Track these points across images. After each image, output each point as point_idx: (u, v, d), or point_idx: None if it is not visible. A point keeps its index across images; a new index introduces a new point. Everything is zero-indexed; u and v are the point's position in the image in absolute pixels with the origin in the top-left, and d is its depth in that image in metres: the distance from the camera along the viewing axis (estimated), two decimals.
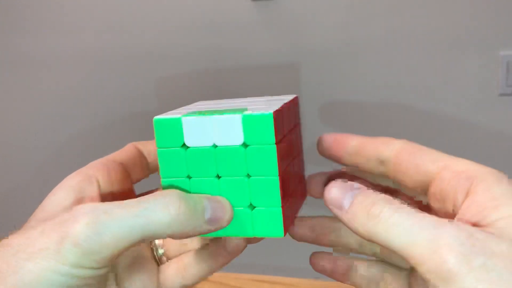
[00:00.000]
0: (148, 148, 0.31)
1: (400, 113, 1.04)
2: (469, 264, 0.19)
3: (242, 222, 0.26)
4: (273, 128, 0.24)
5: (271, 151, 0.25)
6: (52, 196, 0.26)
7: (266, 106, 0.26)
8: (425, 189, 0.26)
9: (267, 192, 0.25)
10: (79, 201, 0.25)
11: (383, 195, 0.23)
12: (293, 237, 0.32)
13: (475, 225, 0.22)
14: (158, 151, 0.26)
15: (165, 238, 0.24)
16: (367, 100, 1.04)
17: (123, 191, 0.28)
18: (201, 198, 0.25)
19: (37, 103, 1.18)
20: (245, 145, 0.25)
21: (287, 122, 0.27)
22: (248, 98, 0.31)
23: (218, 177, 0.26)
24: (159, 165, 0.26)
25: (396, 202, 0.23)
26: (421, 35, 0.98)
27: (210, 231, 0.25)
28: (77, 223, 0.22)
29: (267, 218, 0.26)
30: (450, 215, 0.25)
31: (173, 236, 0.24)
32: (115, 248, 0.22)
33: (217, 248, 0.29)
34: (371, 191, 0.24)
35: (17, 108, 1.19)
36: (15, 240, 0.23)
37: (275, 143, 0.24)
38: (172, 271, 0.30)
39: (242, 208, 0.26)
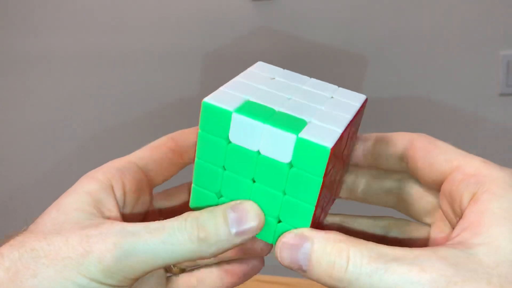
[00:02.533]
0: (185, 137, 0.30)
1: (400, 112, 1.04)
2: None
3: (266, 227, 0.25)
4: (326, 163, 0.22)
5: (316, 183, 0.23)
6: (67, 198, 0.25)
7: (331, 120, 0.24)
8: (439, 187, 0.26)
9: (299, 215, 0.24)
10: (98, 209, 0.25)
11: (339, 246, 0.21)
12: None
13: (463, 244, 0.21)
14: (199, 133, 0.24)
15: (194, 260, 0.24)
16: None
17: (136, 202, 0.28)
18: (224, 213, 0.24)
19: (37, 103, 1.18)
20: (290, 165, 0.23)
21: (344, 141, 0.25)
22: (318, 83, 0.28)
23: (253, 181, 0.24)
24: (197, 146, 0.24)
25: (356, 251, 0.21)
26: (421, 35, 0.98)
27: (241, 243, 0.24)
28: (105, 241, 0.22)
29: None
30: (458, 217, 0.24)
31: (201, 259, 0.24)
32: (139, 270, 0.23)
33: (232, 267, 0.29)
34: (322, 240, 0.22)
35: (17, 108, 1.19)
36: (36, 244, 0.23)
37: (323, 177, 0.23)
38: (183, 285, 0.29)
39: (268, 217, 0.25)
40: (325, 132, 0.23)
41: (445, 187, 0.25)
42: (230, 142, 0.24)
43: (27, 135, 1.21)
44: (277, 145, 0.23)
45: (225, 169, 0.24)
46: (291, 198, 0.24)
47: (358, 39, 1.00)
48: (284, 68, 0.30)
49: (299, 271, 0.23)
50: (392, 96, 1.03)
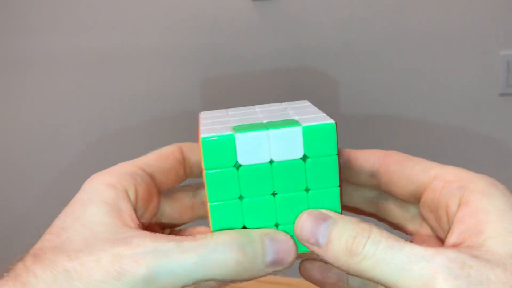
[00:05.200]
0: (193, 151, 0.29)
1: (400, 112, 1.04)
2: None
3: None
4: (336, 138, 0.23)
5: (333, 161, 0.24)
6: (87, 210, 0.24)
7: (312, 114, 0.25)
8: (417, 199, 0.26)
9: (327, 203, 0.24)
10: (120, 218, 0.24)
11: (361, 226, 0.22)
12: (301, 273, 0.30)
13: (466, 239, 0.21)
14: (205, 173, 0.23)
15: (223, 282, 0.23)
16: (367, 100, 1.04)
17: (146, 210, 0.27)
18: (262, 240, 0.23)
19: (37, 103, 1.18)
20: (305, 157, 0.24)
21: None
22: (261, 106, 0.29)
23: (274, 194, 0.24)
24: (207, 189, 0.24)
25: (376, 231, 0.22)
26: (421, 35, 0.98)
27: (270, 274, 0.24)
28: (138, 264, 0.22)
29: None
30: (443, 225, 0.24)
31: (231, 282, 0.23)
32: None
33: None
34: (346, 219, 0.23)
35: (17, 108, 1.19)
36: (68, 264, 0.22)
37: (337, 153, 0.23)
38: None
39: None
40: (319, 118, 0.24)
41: (426, 196, 0.25)
42: (240, 166, 0.23)
43: (27, 136, 1.21)
44: (287, 144, 0.23)
45: (242, 198, 0.24)
46: (315, 191, 0.24)
47: (357, 39, 1.00)
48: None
49: (313, 246, 0.23)
50: (391, 96, 1.03)
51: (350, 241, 0.22)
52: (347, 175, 0.28)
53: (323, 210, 0.24)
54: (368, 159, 0.28)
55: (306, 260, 0.30)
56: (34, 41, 1.12)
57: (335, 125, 0.23)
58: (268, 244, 0.23)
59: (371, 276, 0.21)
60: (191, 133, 0.33)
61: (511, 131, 1.01)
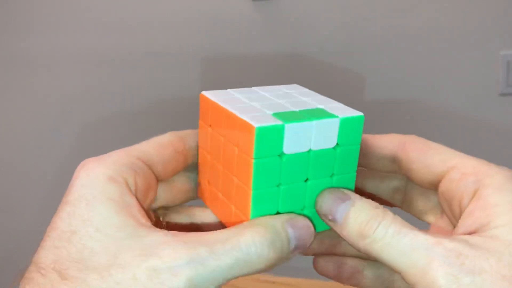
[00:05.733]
0: (194, 141, 0.29)
1: (400, 112, 1.04)
2: (458, 283, 0.20)
3: (314, 217, 0.26)
4: (362, 129, 0.25)
5: (357, 150, 0.26)
6: (91, 208, 0.23)
7: (325, 101, 0.27)
8: (435, 187, 0.26)
9: (345, 186, 0.26)
10: (133, 217, 0.23)
11: (376, 211, 0.23)
12: (315, 269, 0.31)
13: (473, 232, 0.22)
14: (256, 162, 0.23)
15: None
16: (367, 100, 1.04)
17: (144, 201, 0.26)
18: (285, 229, 0.24)
19: (37, 103, 1.18)
20: (336, 146, 0.25)
21: None
22: (262, 88, 0.30)
23: (306, 180, 0.25)
24: (253, 177, 0.24)
25: (389, 217, 0.23)
26: (421, 35, 0.98)
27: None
28: (178, 277, 0.21)
29: None
30: (456, 216, 0.25)
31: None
32: None
33: None
34: (363, 202, 0.24)
35: (17, 108, 1.19)
36: (103, 284, 0.21)
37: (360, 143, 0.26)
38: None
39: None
40: (344, 109, 0.26)
41: (442, 187, 0.26)
42: (283, 154, 0.24)
43: (27, 135, 1.21)
44: (325, 134, 0.25)
45: (280, 185, 0.25)
46: (338, 176, 0.26)
47: (357, 39, 1.00)
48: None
49: (330, 222, 0.25)
50: (392, 96, 1.03)
51: (363, 224, 0.23)
52: (368, 161, 0.29)
53: (344, 190, 0.25)
54: (387, 145, 0.28)
55: (320, 257, 0.31)
56: (34, 41, 1.12)
57: (363, 116, 0.25)
58: (291, 232, 0.24)
59: (378, 258, 0.23)
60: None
61: (511, 131, 1.01)
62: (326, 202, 0.25)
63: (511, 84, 0.97)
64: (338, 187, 0.26)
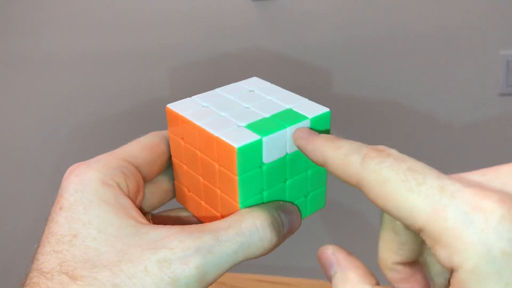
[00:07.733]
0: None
1: (400, 112, 1.04)
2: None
3: (300, 206, 0.28)
4: (329, 122, 0.27)
5: None
6: (90, 212, 0.23)
7: (292, 99, 0.28)
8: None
9: (319, 178, 0.28)
10: (130, 216, 0.24)
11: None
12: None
13: None
14: (240, 179, 0.24)
15: None
16: (367, 100, 1.04)
17: (134, 202, 0.26)
18: (280, 214, 0.25)
19: (37, 103, 1.18)
20: None
21: None
22: (223, 89, 0.31)
23: (285, 180, 0.26)
24: (239, 193, 0.25)
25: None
26: (421, 35, 0.98)
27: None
28: (188, 265, 0.22)
29: (317, 198, 0.28)
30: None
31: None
32: (215, 278, 0.23)
33: None
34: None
35: (17, 108, 1.19)
36: (116, 279, 0.21)
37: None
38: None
39: (301, 198, 0.28)
40: (311, 106, 0.27)
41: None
42: (263, 165, 0.25)
43: (27, 136, 1.21)
44: None
45: (263, 191, 0.26)
46: (313, 170, 0.27)
47: (357, 39, 1.00)
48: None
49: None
50: (392, 96, 1.03)
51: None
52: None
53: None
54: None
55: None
56: (34, 41, 1.12)
57: (330, 112, 0.27)
58: (283, 217, 0.25)
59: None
60: None
61: (511, 131, 1.01)
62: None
63: (511, 84, 0.97)
64: (311, 185, 0.27)
